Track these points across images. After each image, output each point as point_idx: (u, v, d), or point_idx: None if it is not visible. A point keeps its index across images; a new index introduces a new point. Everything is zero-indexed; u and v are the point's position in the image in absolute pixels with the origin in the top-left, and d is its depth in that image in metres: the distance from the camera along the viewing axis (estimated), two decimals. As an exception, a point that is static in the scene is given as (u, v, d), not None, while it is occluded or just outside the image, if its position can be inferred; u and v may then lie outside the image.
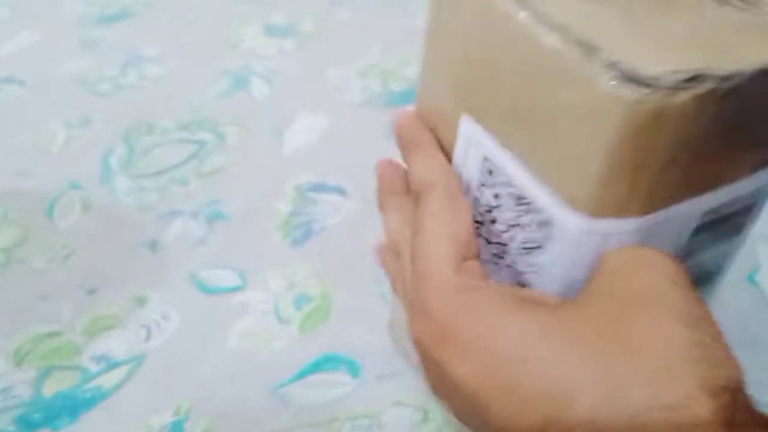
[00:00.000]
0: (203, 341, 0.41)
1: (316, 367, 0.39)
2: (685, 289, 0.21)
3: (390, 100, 0.58)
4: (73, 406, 0.38)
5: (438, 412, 0.36)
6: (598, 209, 0.21)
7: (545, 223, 0.23)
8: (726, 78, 0.18)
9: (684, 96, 0.18)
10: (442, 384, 0.23)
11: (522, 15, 0.21)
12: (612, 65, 0.19)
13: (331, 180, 0.51)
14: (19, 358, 0.41)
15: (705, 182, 0.22)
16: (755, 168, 0.23)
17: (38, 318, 0.43)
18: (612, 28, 0.20)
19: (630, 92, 0.18)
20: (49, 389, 0.39)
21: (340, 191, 0.50)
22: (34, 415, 0.38)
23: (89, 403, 0.38)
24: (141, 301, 0.43)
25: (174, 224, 0.48)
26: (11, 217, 0.49)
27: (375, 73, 0.62)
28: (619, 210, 0.21)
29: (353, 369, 0.38)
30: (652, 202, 0.21)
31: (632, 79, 0.18)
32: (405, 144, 0.28)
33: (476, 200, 0.26)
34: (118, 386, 0.39)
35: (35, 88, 0.63)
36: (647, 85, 0.18)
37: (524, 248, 0.24)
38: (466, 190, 0.26)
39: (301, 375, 0.38)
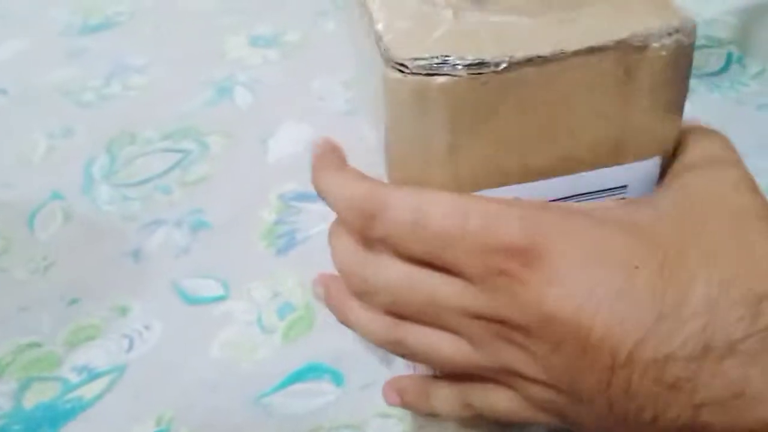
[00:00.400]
0: (185, 351, 0.40)
1: (299, 376, 0.39)
2: (761, 197, 0.23)
3: (374, 109, 0.59)
4: (54, 417, 0.38)
5: (416, 422, 0.36)
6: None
7: None
8: (477, 65, 0.21)
9: (440, 80, 0.21)
10: (523, 313, 0.22)
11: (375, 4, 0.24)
12: (385, 51, 0.21)
13: (316, 189, 0.51)
14: (0, 370, 0.40)
15: (533, 169, 0.23)
16: (602, 162, 0.23)
17: (19, 329, 0.42)
18: (410, 19, 0.23)
19: (391, 73, 0.21)
20: (30, 401, 0.39)
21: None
22: (14, 427, 0.37)
23: (70, 414, 0.38)
24: (123, 311, 0.43)
25: (157, 233, 0.48)
26: (-8, 227, 0.49)
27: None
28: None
29: (337, 378, 0.38)
30: (469, 183, 0.23)
31: (395, 63, 0.21)
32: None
33: None
34: (99, 397, 0.38)
35: (18, 98, 0.63)
36: (405, 69, 0.21)
37: None
38: None
39: (284, 385, 0.38)
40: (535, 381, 0.23)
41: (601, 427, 0.23)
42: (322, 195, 0.27)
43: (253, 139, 0.56)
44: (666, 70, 0.22)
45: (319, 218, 0.48)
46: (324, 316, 0.42)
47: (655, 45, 0.21)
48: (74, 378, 0.39)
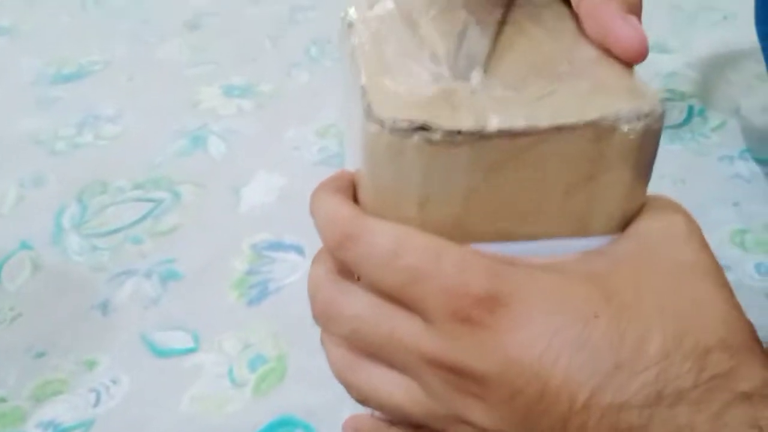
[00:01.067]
0: (154, 406, 0.40)
1: (271, 430, 0.38)
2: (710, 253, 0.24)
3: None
4: (16, 476, 0.37)
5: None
6: None
7: None
8: (451, 133, 0.22)
9: (415, 140, 0.22)
10: (483, 360, 0.22)
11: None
12: (367, 107, 0.23)
13: (288, 239, 0.51)
14: (-40, 427, 0.39)
15: (498, 232, 0.24)
16: (567, 233, 0.24)
17: (-18, 383, 0.41)
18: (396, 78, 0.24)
19: (370, 127, 0.22)
20: (-9, 459, 0.38)
21: (298, 250, 0.50)
22: (-27, 487, 0.36)
23: (33, 472, 0.37)
24: (90, 365, 0.42)
25: (126, 284, 0.47)
26: (-43, 278, 0.48)
27: (333, 132, 0.62)
28: None
29: (308, 432, 0.38)
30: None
31: (374, 119, 0.22)
32: None
33: None
34: (64, 454, 0.38)
35: (-12, 147, 0.62)
36: (383, 126, 0.22)
37: None
38: None
39: (255, 439, 0.38)
40: (486, 431, 0.24)
41: None
42: (311, 214, 0.27)
43: (225, 189, 0.56)
44: (634, 151, 0.23)
45: (291, 268, 0.48)
46: (296, 366, 0.42)
47: (624, 128, 0.22)
48: (39, 434, 0.39)
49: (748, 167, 0.56)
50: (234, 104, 0.67)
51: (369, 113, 0.23)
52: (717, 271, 0.24)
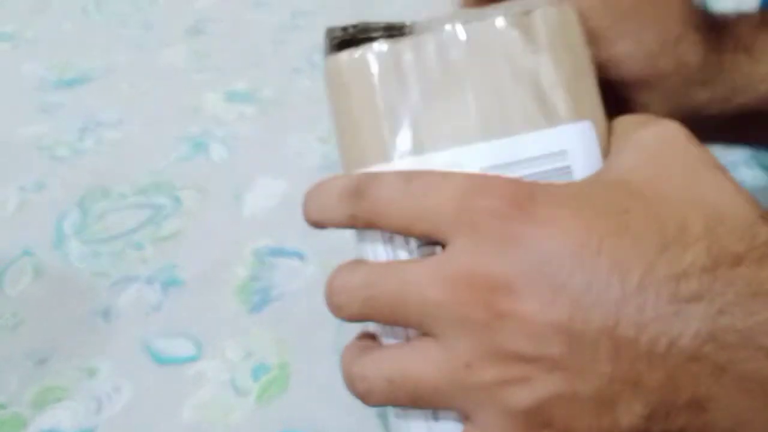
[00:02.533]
0: (156, 414, 0.39)
1: (274, 439, 0.38)
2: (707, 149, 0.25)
3: (350, 165, 0.59)
4: (16, 484, 0.36)
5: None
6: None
7: None
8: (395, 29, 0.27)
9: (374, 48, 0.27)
10: (513, 261, 0.22)
11: None
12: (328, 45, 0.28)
13: (290, 244, 0.51)
14: (-40, 434, 0.39)
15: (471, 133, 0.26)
16: (536, 126, 0.26)
17: (-18, 390, 0.41)
18: None
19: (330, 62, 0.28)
20: (-9, 467, 0.37)
21: (299, 256, 0.50)
22: (-27, 496, 0.36)
23: (33, 481, 0.36)
24: (91, 372, 0.42)
25: (128, 291, 0.47)
26: (-42, 284, 0.48)
27: (335, 139, 0.62)
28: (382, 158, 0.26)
29: (312, 442, 0.38)
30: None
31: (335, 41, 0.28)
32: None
33: None
34: (64, 462, 0.37)
35: (-11, 152, 0.62)
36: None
37: None
38: None
39: (258, 448, 0.37)
40: (523, 356, 0.22)
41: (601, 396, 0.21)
42: (309, 205, 0.27)
43: (227, 194, 0.56)
44: (556, 31, 0.26)
45: (293, 274, 0.48)
46: (299, 374, 0.41)
47: (539, 11, 0.26)
48: (39, 442, 0.38)
49: (753, 174, 0.56)
50: (236, 110, 0.67)
51: (330, 46, 0.28)
52: (720, 165, 0.24)
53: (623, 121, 0.27)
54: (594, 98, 0.27)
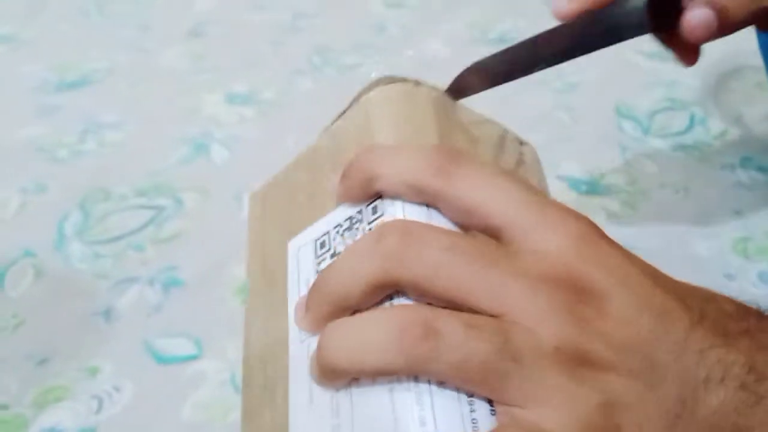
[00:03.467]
0: (157, 413, 0.40)
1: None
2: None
3: (349, 167, 0.59)
4: (18, 483, 0.37)
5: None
6: None
7: None
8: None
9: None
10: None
11: None
12: None
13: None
14: (-38, 434, 0.39)
15: None
16: None
17: (-16, 390, 0.41)
18: None
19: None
20: (-7, 466, 0.38)
21: (299, 257, 0.50)
22: (-25, 495, 0.36)
23: (35, 480, 0.37)
24: (92, 372, 0.42)
25: (129, 292, 0.48)
26: (-40, 285, 0.48)
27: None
28: None
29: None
30: None
31: None
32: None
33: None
34: (66, 461, 0.38)
35: (-10, 154, 0.62)
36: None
37: None
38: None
39: (258, 447, 0.38)
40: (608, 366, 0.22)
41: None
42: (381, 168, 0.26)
43: (228, 196, 0.56)
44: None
45: (293, 276, 0.48)
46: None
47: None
48: (41, 441, 0.39)
49: (749, 176, 0.56)
50: (236, 112, 0.67)
51: None
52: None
53: None
54: None
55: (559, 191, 0.55)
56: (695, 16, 0.34)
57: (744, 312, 0.24)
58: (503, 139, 0.31)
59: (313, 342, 0.24)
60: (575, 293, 0.22)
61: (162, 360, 0.43)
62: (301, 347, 0.25)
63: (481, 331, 0.21)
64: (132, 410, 0.40)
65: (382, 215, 0.25)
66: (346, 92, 0.70)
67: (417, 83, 0.31)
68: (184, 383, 0.41)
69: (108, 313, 0.46)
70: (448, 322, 0.21)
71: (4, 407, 0.40)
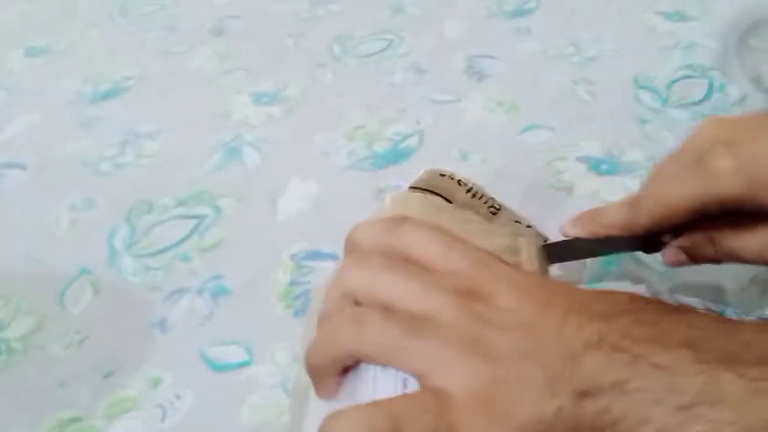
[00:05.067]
0: (217, 418, 0.43)
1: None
2: None
3: (374, 162, 0.62)
4: (100, 490, 0.41)
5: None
6: None
7: None
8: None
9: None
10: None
11: None
12: None
13: (325, 247, 0.54)
14: (45, 447, 0.43)
15: None
16: None
17: (59, 404, 0.45)
18: None
19: None
20: (76, 475, 0.42)
21: (334, 257, 0.53)
22: (64, 503, 0.40)
23: (115, 486, 0.41)
24: (155, 382, 0.46)
25: (181, 302, 0.51)
26: (25, 305, 0.52)
27: (360, 135, 0.65)
28: None
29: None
30: None
31: None
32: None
33: None
34: (140, 468, 0.42)
35: (37, 172, 0.66)
36: None
37: None
38: None
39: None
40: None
41: None
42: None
43: (263, 200, 0.59)
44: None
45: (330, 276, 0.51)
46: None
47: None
48: (116, 450, 0.43)
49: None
50: (264, 112, 0.69)
51: None
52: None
53: None
54: None
55: (579, 174, 0.56)
56: (669, 256, 0.40)
57: (637, 300, 0.29)
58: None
59: None
60: (472, 296, 0.30)
61: (217, 368, 0.46)
62: None
63: (395, 319, 0.30)
64: (194, 417, 0.44)
65: None
66: (365, 83, 0.73)
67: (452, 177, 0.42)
68: (239, 389, 0.45)
69: (163, 324, 0.50)
70: (372, 314, 0.30)
71: (77, 420, 0.44)
